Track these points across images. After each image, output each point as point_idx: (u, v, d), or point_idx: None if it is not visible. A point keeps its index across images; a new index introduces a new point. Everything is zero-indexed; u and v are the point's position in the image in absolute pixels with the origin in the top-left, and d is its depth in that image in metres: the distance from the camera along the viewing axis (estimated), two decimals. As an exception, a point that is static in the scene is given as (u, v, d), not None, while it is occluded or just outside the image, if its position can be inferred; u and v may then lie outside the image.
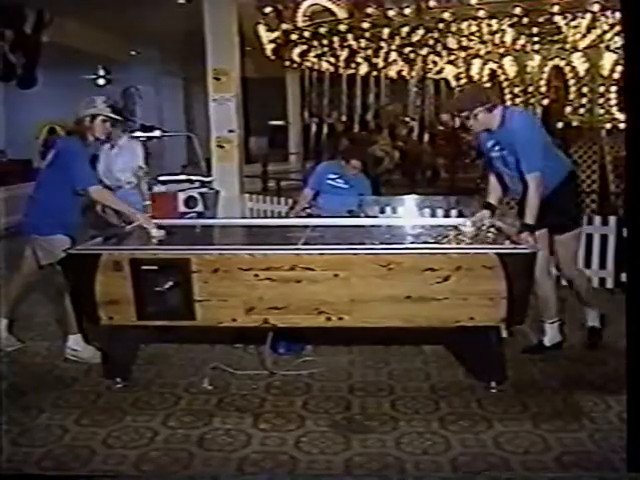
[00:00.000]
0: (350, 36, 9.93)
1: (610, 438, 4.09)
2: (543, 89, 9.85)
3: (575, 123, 9.65)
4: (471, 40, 9.58)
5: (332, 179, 6.95)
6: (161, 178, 8.91)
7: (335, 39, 10.21)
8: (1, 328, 5.87)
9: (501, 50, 9.85)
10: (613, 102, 9.48)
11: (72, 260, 4.86)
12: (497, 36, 9.25)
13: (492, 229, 5.36)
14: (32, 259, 5.71)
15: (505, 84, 10.18)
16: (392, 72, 12.47)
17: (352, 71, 12.40)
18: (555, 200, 5.21)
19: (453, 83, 11.72)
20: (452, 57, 10.82)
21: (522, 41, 9.36)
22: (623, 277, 7.35)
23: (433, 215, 7.90)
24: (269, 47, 11.44)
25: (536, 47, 9.51)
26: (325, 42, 10.46)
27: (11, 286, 5.94)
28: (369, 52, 10.82)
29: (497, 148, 5.34)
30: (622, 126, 9.05)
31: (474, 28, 9.04)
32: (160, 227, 5.46)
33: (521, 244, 4.74)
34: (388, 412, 4.59)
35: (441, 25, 9.04)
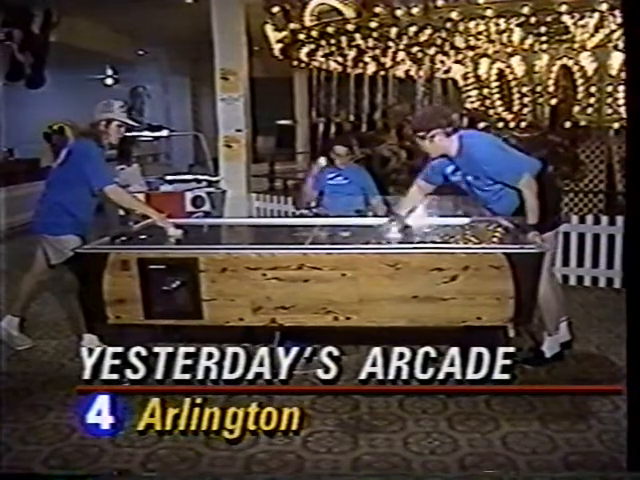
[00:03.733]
0: (358, 35, 9.93)
1: (618, 438, 4.08)
2: (551, 89, 9.82)
3: (583, 123, 9.63)
4: (479, 39, 9.57)
5: (331, 178, 6.85)
6: (168, 177, 8.93)
7: (343, 39, 10.20)
8: (12, 326, 5.88)
9: (509, 49, 9.84)
10: (621, 102, 9.45)
11: (80, 259, 4.87)
12: (505, 35, 9.24)
13: (499, 229, 5.34)
14: (43, 258, 5.72)
15: (513, 84, 10.16)
16: (400, 72, 12.46)
17: (360, 71, 12.37)
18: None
19: (461, 83, 11.70)
20: (460, 56, 10.80)
21: (530, 40, 9.34)
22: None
23: (440, 215, 7.88)
24: (277, 47, 11.44)
25: (544, 46, 9.48)
26: (333, 42, 10.45)
27: (23, 285, 5.93)
28: (377, 52, 10.80)
29: (459, 173, 5.27)
30: (630, 126, 9.02)
31: (482, 27, 9.02)
32: (178, 226, 5.46)
33: (529, 244, 4.73)
34: (396, 412, 4.59)
35: (449, 24, 9.03)
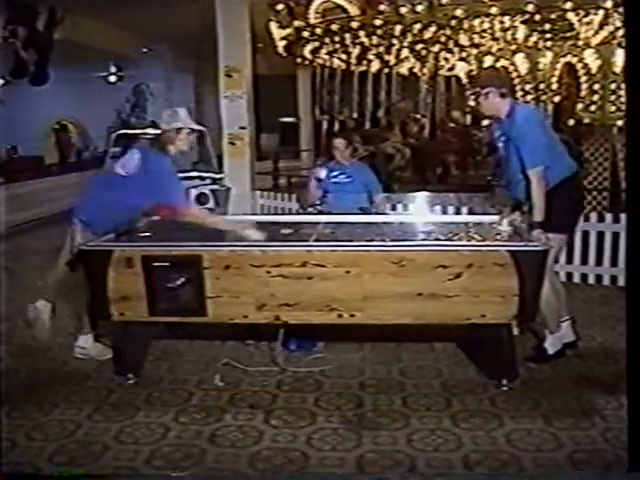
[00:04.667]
0: (362, 33, 9.92)
1: (621, 436, 4.08)
2: (555, 86, 9.81)
3: (586, 120, 9.61)
4: (483, 37, 9.56)
5: (335, 176, 6.81)
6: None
7: (347, 36, 10.20)
8: (46, 312, 5.75)
9: (513, 47, 9.82)
10: (624, 99, 9.43)
11: (84, 256, 4.88)
12: (509, 33, 9.22)
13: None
14: (69, 248, 5.59)
15: (517, 81, 10.15)
16: (404, 69, 12.45)
17: (364, 68, 12.37)
18: (547, 200, 5.15)
19: (464, 80, 11.69)
20: (464, 54, 10.79)
21: (534, 38, 9.33)
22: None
23: (444, 212, 7.91)
24: (281, 44, 11.43)
25: (548, 44, 9.47)
26: (337, 39, 10.45)
27: (53, 273, 5.76)
28: (381, 49, 10.80)
29: (503, 139, 5.34)
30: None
31: (486, 25, 9.01)
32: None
33: (533, 241, 4.73)
34: (399, 409, 4.59)
35: (453, 22, 9.02)
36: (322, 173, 6.63)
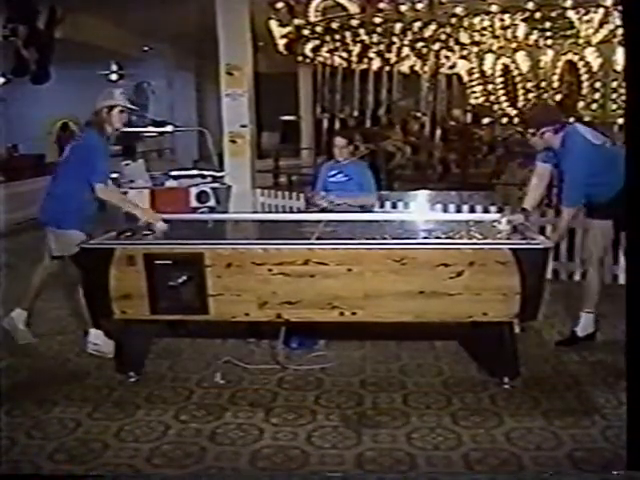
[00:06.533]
0: (362, 31, 9.93)
1: (622, 434, 4.08)
2: (556, 84, 9.81)
3: (587, 118, 9.60)
4: (483, 35, 9.56)
5: (333, 175, 6.76)
6: (173, 173, 8.93)
7: (347, 34, 10.20)
8: (20, 320, 5.86)
9: (514, 45, 9.82)
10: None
11: (86, 254, 4.88)
12: (509, 31, 9.23)
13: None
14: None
15: (518, 79, 10.14)
16: (404, 67, 12.46)
17: (364, 66, 12.38)
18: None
19: (465, 78, 11.69)
20: (464, 52, 10.79)
21: (534, 36, 9.33)
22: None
23: (445, 210, 7.90)
24: (281, 42, 11.44)
25: (549, 42, 9.47)
26: (337, 37, 10.46)
27: (33, 277, 5.90)
28: (381, 47, 10.81)
29: (554, 158, 5.53)
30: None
31: (486, 23, 9.02)
32: (165, 221, 5.49)
33: (535, 239, 4.73)
34: (400, 407, 4.59)
35: (453, 20, 9.04)
36: (323, 202, 6.56)
